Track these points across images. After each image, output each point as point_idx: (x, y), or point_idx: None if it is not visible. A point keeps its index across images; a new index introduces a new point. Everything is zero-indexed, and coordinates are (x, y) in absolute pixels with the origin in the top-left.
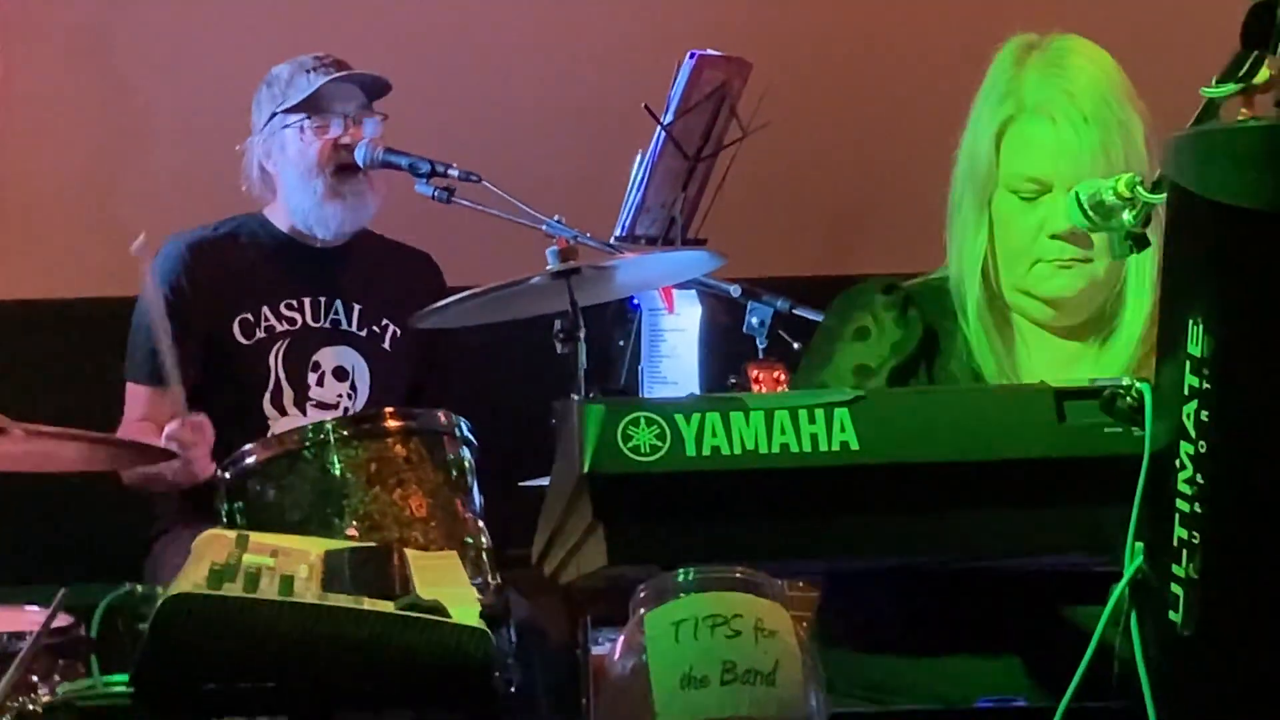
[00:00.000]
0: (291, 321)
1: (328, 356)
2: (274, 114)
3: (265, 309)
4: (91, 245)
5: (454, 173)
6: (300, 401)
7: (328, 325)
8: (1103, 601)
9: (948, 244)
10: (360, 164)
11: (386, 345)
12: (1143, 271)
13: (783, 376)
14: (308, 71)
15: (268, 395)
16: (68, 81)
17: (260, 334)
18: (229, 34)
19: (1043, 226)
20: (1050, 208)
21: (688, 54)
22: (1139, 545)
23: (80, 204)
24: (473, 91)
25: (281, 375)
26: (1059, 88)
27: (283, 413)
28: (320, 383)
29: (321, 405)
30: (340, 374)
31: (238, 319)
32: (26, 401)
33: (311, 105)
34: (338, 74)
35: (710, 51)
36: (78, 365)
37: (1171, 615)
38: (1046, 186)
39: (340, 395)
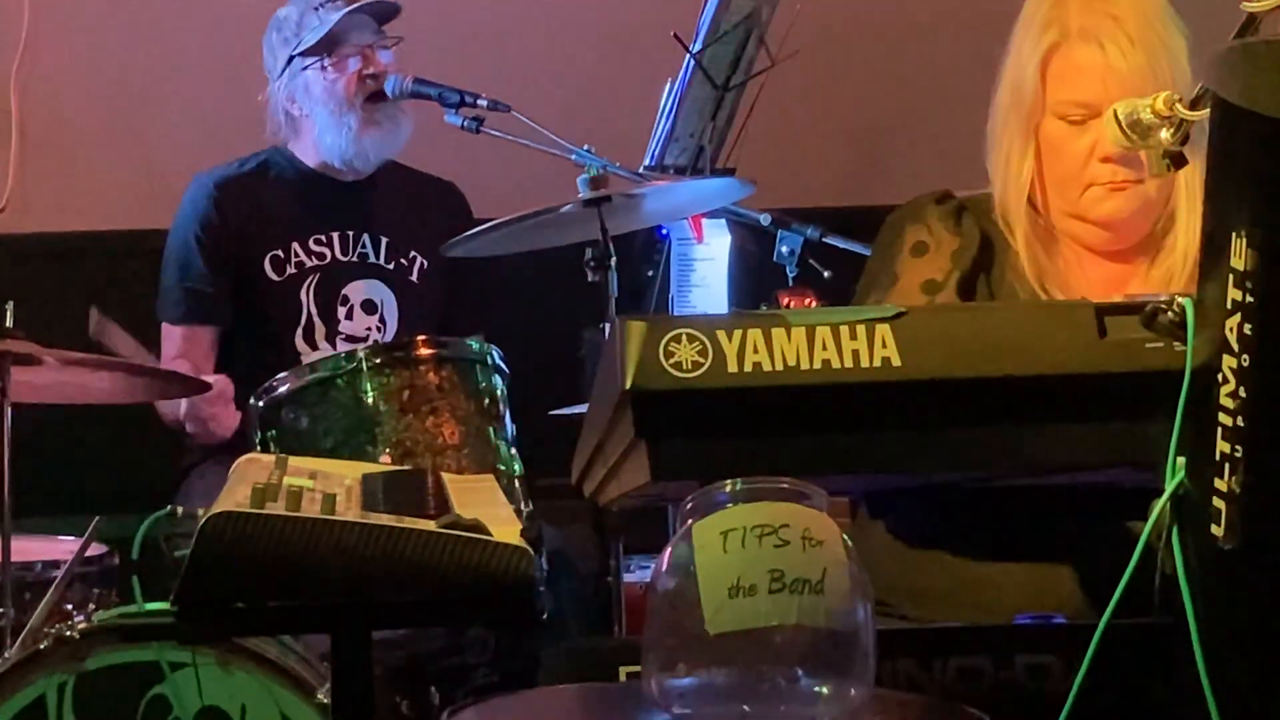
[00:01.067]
0: (321, 256)
1: (357, 290)
2: (291, 58)
3: (295, 245)
4: (123, 177)
5: (483, 103)
6: (331, 335)
7: (356, 259)
8: (1144, 516)
9: (991, 175)
10: (390, 95)
11: (414, 277)
12: (1193, 191)
13: (814, 304)
14: (315, 9)
15: (300, 330)
16: (96, 15)
17: (291, 269)
18: None
19: (1093, 151)
20: (1100, 131)
21: None
22: (1181, 460)
23: (112, 137)
24: (501, 21)
25: (313, 310)
26: (1103, 12)
27: (314, 347)
28: (350, 316)
29: (351, 339)
30: (369, 307)
31: (269, 255)
32: (60, 333)
33: (326, 43)
34: (347, 8)
35: None
36: (110, 297)
37: (1214, 529)
38: (1095, 111)
39: (369, 328)
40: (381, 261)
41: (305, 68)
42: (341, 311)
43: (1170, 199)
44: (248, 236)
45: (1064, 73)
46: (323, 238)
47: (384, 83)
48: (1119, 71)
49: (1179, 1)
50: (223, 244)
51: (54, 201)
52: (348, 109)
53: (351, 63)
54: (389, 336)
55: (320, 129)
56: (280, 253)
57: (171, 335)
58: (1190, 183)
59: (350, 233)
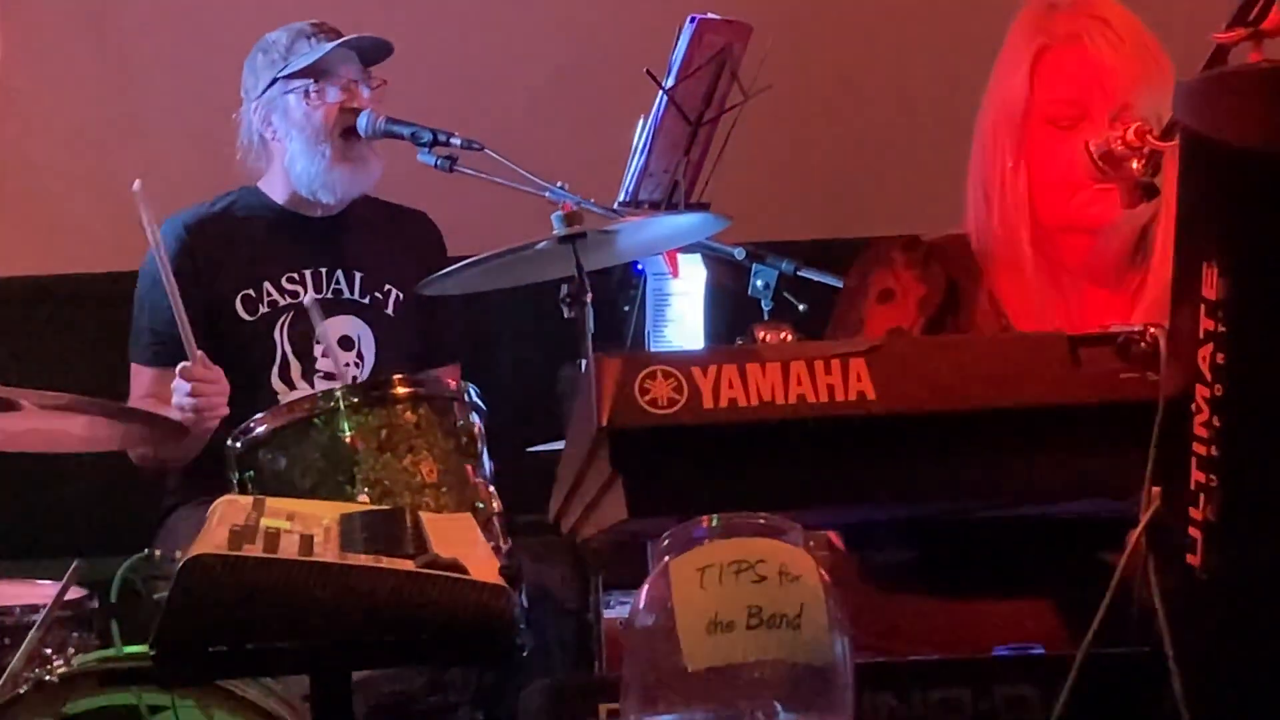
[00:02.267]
0: (294, 295)
1: (333, 327)
2: (274, 80)
3: (267, 284)
4: (97, 220)
5: (456, 141)
6: (308, 374)
7: (330, 296)
8: (1120, 546)
9: (976, 200)
10: (362, 133)
11: (390, 311)
12: (1171, 206)
13: (789, 338)
14: (308, 37)
15: (275, 370)
16: (66, 57)
17: (264, 309)
18: (231, 7)
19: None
20: (1089, 132)
21: (688, 18)
22: (1156, 489)
23: (85, 180)
24: (474, 59)
25: (288, 349)
26: (1089, 15)
27: (291, 386)
28: (326, 353)
29: (329, 376)
30: (346, 343)
31: (240, 295)
32: (33, 377)
33: (314, 71)
34: (340, 40)
35: (711, 15)
36: (81, 341)
37: (1189, 558)
38: (1084, 111)
39: (347, 364)
40: (356, 296)
41: (288, 91)
42: (318, 349)
43: (1156, 207)
44: (218, 277)
45: (1052, 74)
46: (295, 276)
47: (357, 120)
48: (1109, 66)
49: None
50: (192, 286)
51: (28, 245)
52: (324, 139)
53: (333, 93)
54: (367, 372)
55: (293, 155)
56: (252, 292)
57: (141, 376)
58: (1169, 200)
59: (323, 269)
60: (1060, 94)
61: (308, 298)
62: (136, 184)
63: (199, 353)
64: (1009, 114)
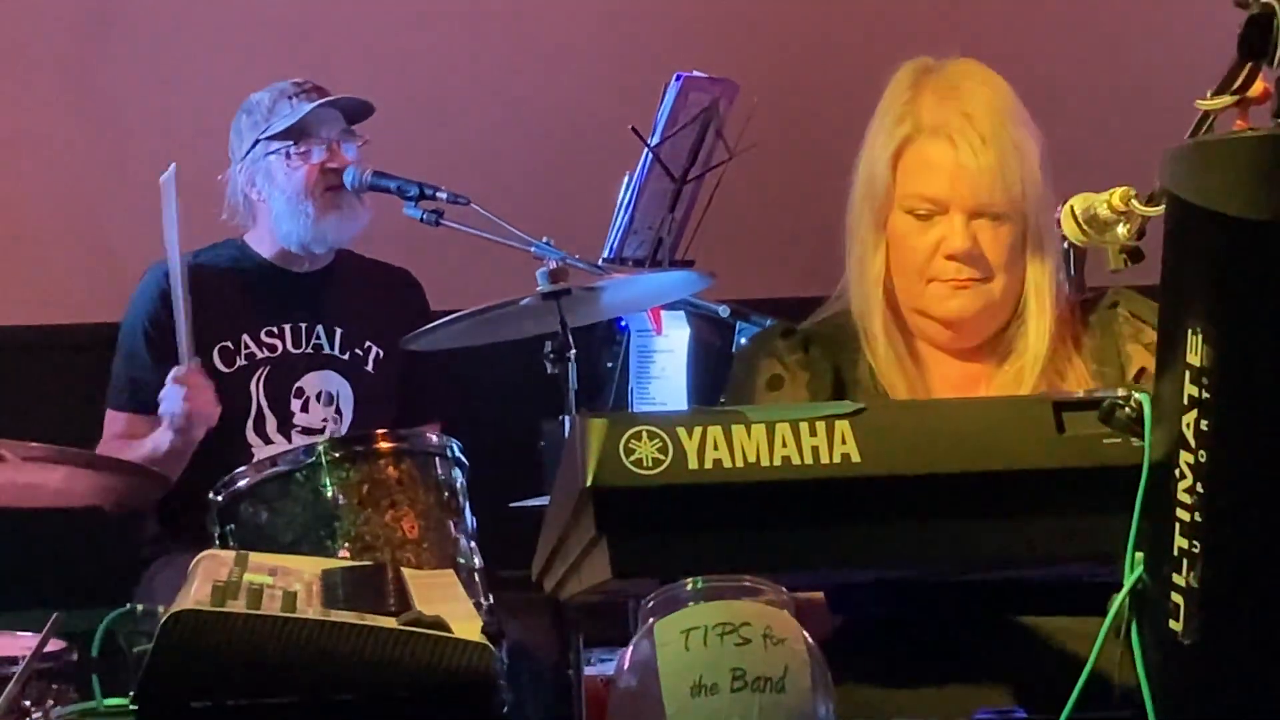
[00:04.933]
0: (272, 348)
1: (312, 382)
2: (257, 141)
3: (245, 337)
4: (81, 271)
5: (442, 195)
6: (285, 428)
7: (310, 350)
8: (1103, 611)
9: (847, 266)
10: (349, 187)
11: (370, 368)
12: (1042, 293)
13: None
14: (289, 98)
15: (250, 423)
16: (53, 110)
17: (241, 361)
18: (213, 61)
19: (939, 247)
20: (946, 228)
21: (674, 76)
22: (1139, 555)
23: (69, 231)
24: (460, 114)
25: (263, 403)
26: (956, 110)
27: (266, 440)
28: (305, 408)
29: (307, 431)
30: (325, 399)
31: (217, 347)
32: (12, 428)
33: (295, 131)
34: (321, 100)
35: (697, 73)
36: (62, 391)
37: (1172, 624)
38: (943, 207)
39: (325, 420)
40: (336, 352)
41: (270, 153)
42: (296, 404)
43: (1019, 301)
44: (196, 328)
45: (914, 167)
46: (274, 329)
47: (343, 175)
48: (969, 169)
49: (1137, 93)
50: (169, 336)
51: (11, 295)
52: (305, 198)
53: (315, 153)
54: (345, 428)
55: (277, 215)
56: (229, 344)
57: (115, 420)
58: (1039, 285)
59: (304, 324)
60: (919, 189)
61: (165, 174)
62: (169, 170)
63: (196, 359)
64: (871, 198)
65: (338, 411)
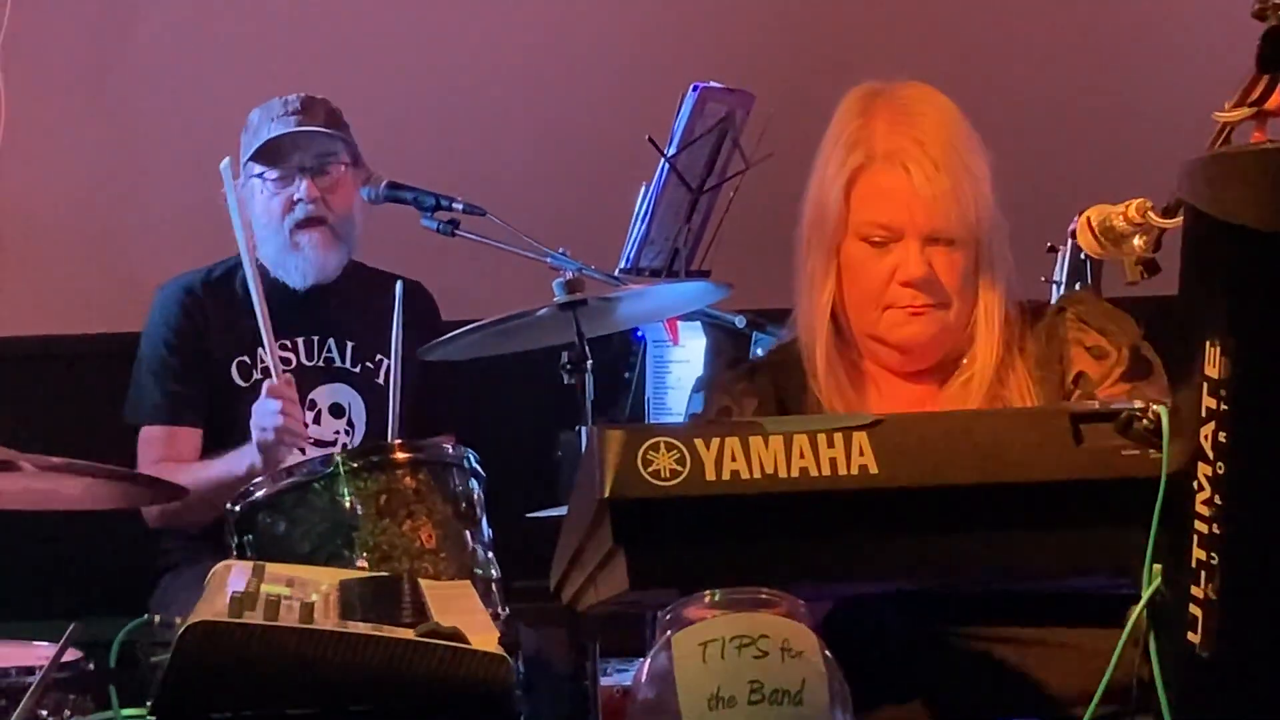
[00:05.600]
0: (286, 362)
1: (323, 394)
2: (246, 161)
3: (261, 351)
4: (98, 282)
5: (458, 206)
6: None
7: (321, 364)
8: (1121, 623)
9: (796, 292)
10: (367, 200)
11: (380, 380)
12: (990, 315)
13: None
14: (272, 119)
15: None
16: (69, 120)
17: (257, 375)
18: (229, 70)
19: (894, 274)
20: (901, 254)
21: (691, 86)
22: (1157, 567)
23: (86, 242)
24: (477, 125)
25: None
26: (908, 136)
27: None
28: (317, 420)
29: (320, 443)
30: (336, 411)
31: (235, 361)
32: (32, 437)
33: (272, 157)
34: (283, 129)
35: (713, 84)
36: (82, 401)
37: (1190, 636)
38: (898, 234)
39: (338, 432)
40: (348, 365)
41: (253, 175)
42: (309, 416)
43: (970, 323)
44: (214, 343)
45: (868, 195)
46: (287, 343)
47: (312, 211)
48: (923, 196)
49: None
50: (195, 349)
51: (29, 306)
52: (276, 230)
53: (294, 183)
54: (357, 440)
55: (260, 238)
56: (246, 359)
57: (153, 437)
58: (989, 307)
59: (315, 337)
60: (874, 217)
61: (222, 162)
62: (225, 161)
63: (287, 374)
64: (822, 225)
65: (349, 424)
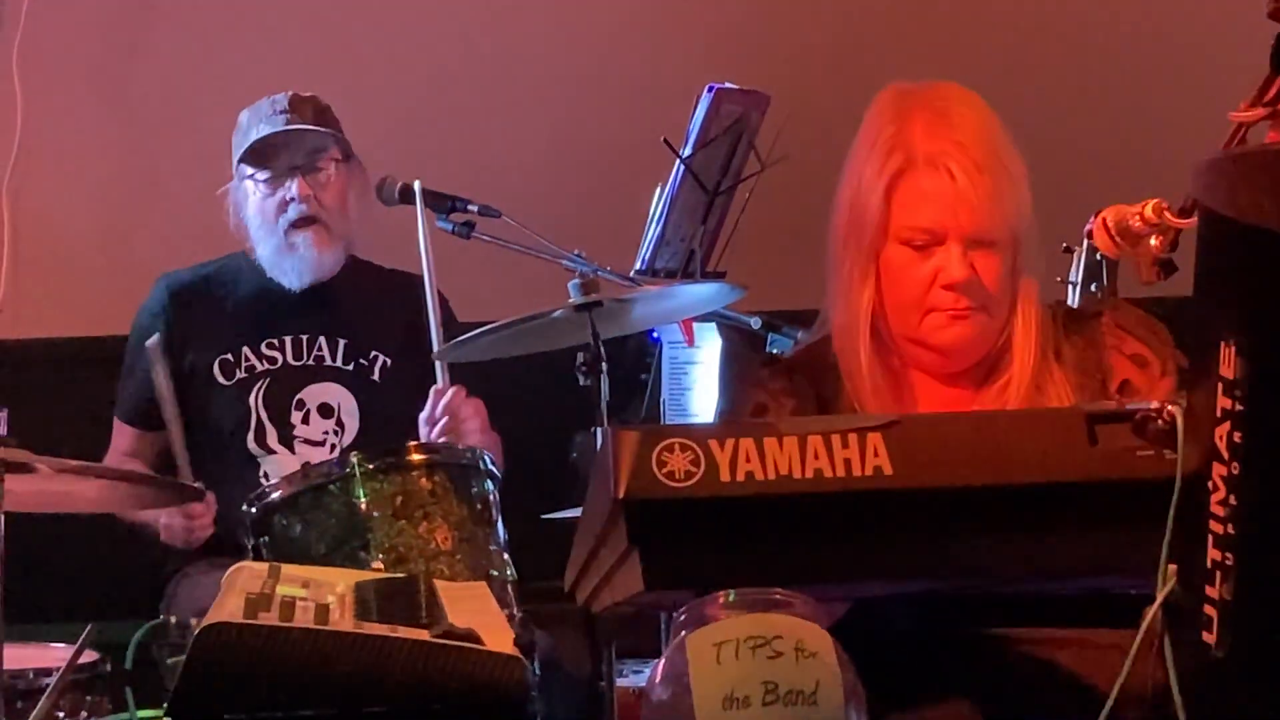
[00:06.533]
0: (272, 361)
1: (312, 394)
2: (237, 163)
3: (246, 349)
4: (115, 284)
5: (473, 208)
6: (286, 439)
7: (311, 363)
8: (1136, 624)
9: (830, 298)
10: (384, 203)
11: (376, 377)
12: (1028, 318)
13: None
14: (261, 120)
15: (250, 434)
16: (86, 126)
17: (241, 374)
18: (244, 70)
19: (936, 277)
20: (944, 258)
21: (706, 87)
22: (1172, 567)
23: (103, 244)
24: (493, 127)
25: (263, 414)
26: (948, 138)
27: (269, 451)
28: (306, 420)
29: (308, 442)
30: (326, 410)
31: (218, 359)
32: (48, 440)
33: (261, 158)
34: (282, 125)
35: (728, 85)
36: (98, 404)
37: (1205, 636)
38: (941, 237)
39: (327, 432)
40: (340, 364)
41: (245, 177)
42: (296, 415)
43: (1007, 325)
44: (196, 341)
45: (910, 199)
46: (275, 342)
47: (305, 210)
48: (966, 199)
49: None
50: (176, 347)
51: (46, 308)
52: (271, 231)
53: (284, 184)
54: (347, 439)
55: (254, 239)
56: (230, 357)
57: (123, 432)
58: (1027, 308)
59: (304, 336)
60: (916, 221)
61: (151, 340)
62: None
63: (210, 495)
64: (860, 229)
65: (339, 424)
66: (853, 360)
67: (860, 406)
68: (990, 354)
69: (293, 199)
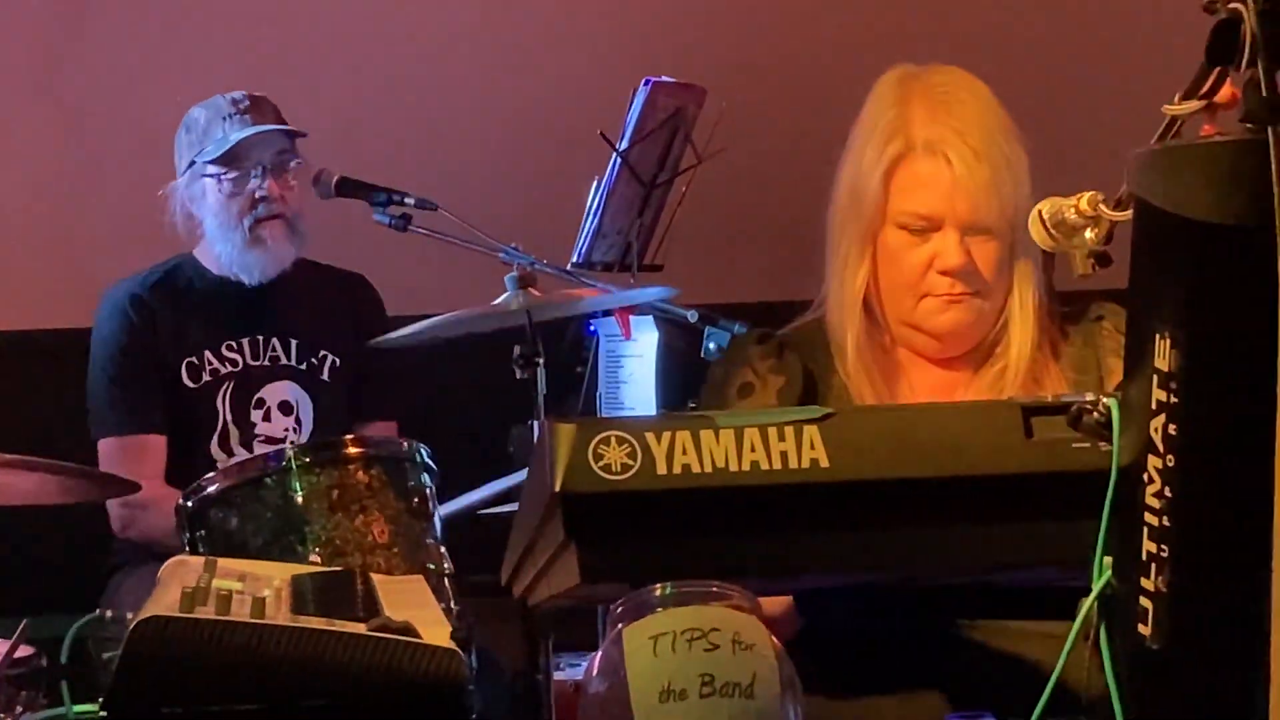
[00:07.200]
0: (234, 363)
1: (272, 392)
2: (193, 161)
3: (208, 353)
4: (50, 277)
5: (410, 200)
6: (246, 440)
7: (267, 362)
8: (1072, 616)
9: (827, 277)
10: (319, 195)
11: (325, 376)
12: (1025, 303)
13: None
14: (224, 119)
15: (215, 437)
16: (22, 116)
17: (207, 377)
18: (183, 68)
19: (932, 262)
20: (940, 243)
21: (643, 80)
22: (1108, 559)
23: (38, 237)
24: (428, 120)
25: (228, 417)
26: (948, 125)
27: (230, 454)
28: (267, 418)
29: (270, 440)
30: (285, 408)
31: (185, 363)
32: None
33: (228, 156)
34: (253, 126)
35: (665, 78)
36: (35, 397)
37: (1141, 628)
38: (938, 223)
39: (286, 429)
40: (294, 363)
41: (205, 175)
42: (257, 415)
43: (1004, 310)
44: (164, 347)
45: (908, 185)
46: (234, 344)
47: (274, 208)
48: (964, 187)
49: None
50: (146, 355)
51: None
52: (234, 228)
53: (250, 181)
54: (304, 437)
55: (211, 237)
56: (195, 360)
57: (111, 451)
58: (1024, 295)
59: (260, 336)
60: (914, 207)
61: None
62: None
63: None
64: (858, 211)
65: (297, 421)
66: (841, 344)
67: (849, 385)
68: (986, 338)
69: (263, 197)
